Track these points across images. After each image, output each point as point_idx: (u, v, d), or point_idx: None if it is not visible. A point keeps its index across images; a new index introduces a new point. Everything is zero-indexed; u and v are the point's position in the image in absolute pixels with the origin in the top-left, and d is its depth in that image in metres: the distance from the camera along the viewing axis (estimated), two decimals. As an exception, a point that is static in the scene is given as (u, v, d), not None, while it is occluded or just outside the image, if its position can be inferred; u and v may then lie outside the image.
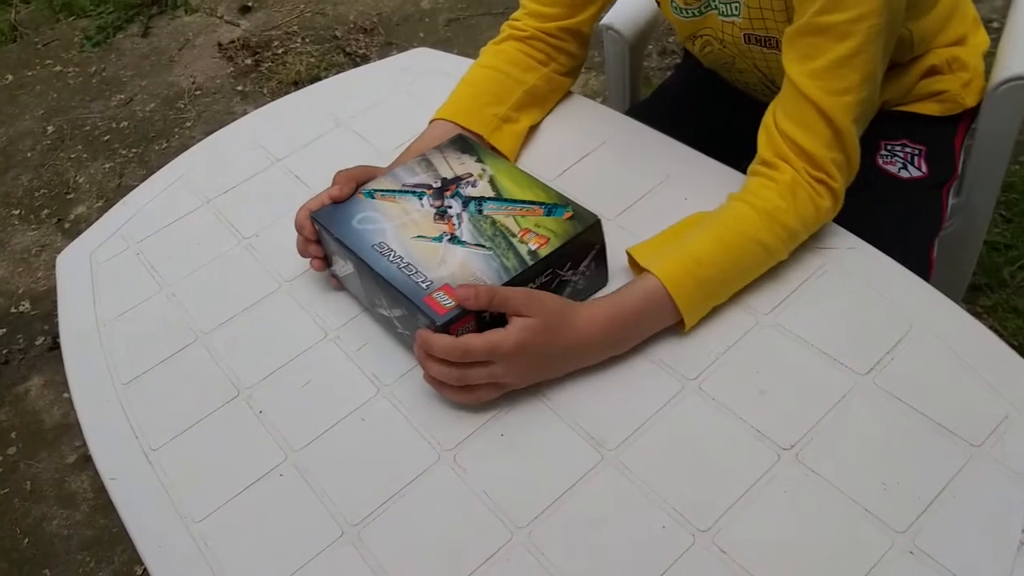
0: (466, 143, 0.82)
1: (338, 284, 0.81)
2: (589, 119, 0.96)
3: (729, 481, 0.62)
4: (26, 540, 1.48)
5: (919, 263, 0.84)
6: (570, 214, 0.72)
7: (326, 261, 0.79)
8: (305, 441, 0.70)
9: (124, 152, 2.27)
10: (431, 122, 0.91)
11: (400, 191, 0.77)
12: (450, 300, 0.65)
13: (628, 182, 0.87)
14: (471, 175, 0.78)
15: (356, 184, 0.79)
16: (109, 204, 2.12)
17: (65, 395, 1.69)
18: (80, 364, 0.81)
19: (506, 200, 0.74)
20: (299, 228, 0.79)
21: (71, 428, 1.64)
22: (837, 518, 0.59)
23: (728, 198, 0.76)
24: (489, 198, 0.75)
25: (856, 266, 0.75)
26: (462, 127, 0.88)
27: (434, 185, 0.77)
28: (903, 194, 0.90)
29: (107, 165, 2.24)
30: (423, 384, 0.71)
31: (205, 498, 0.67)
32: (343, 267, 0.75)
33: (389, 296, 0.69)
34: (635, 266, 0.75)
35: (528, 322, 0.65)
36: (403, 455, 0.67)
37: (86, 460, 1.57)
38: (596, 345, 0.69)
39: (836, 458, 0.62)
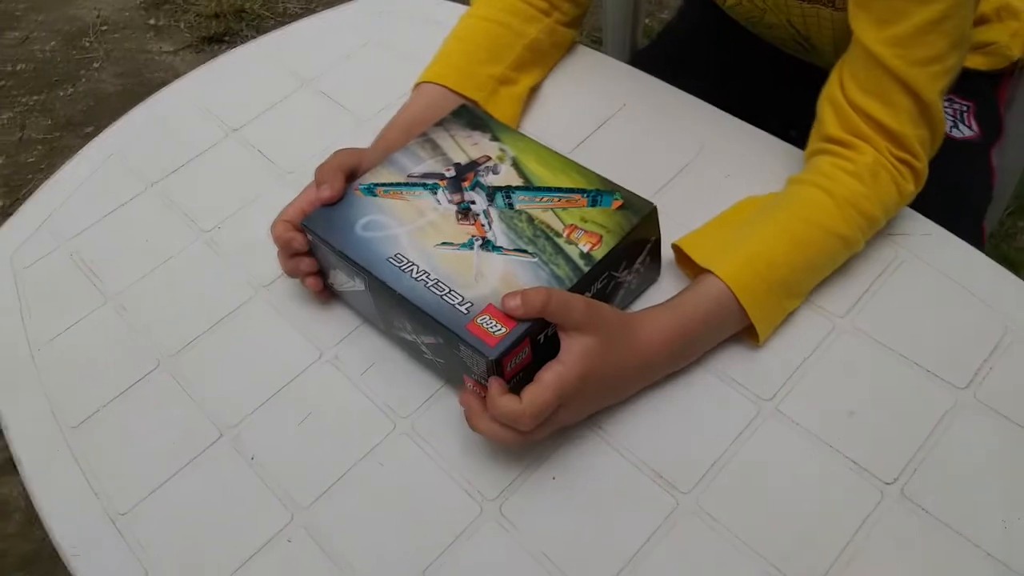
0: (474, 116, 0.69)
1: (329, 296, 0.67)
2: (601, 78, 0.84)
3: (831, 526, 0.53)
4: (-48, 557, 1.32)
5: (973, 239, 0.76)
6: (619, 202, 0.60)
7: (320, 275, 0.65)
8: (314, 495, 0.58)
9: (24, 100, 2.01)
10: (415, 87, 0.76)
11: (407, 184, 0.63)
12: (500, 326, 0.53)
13: (657, 156, 0.75)
14: (489, 158, 0.64)
15: (344, 176, 0.64)
16: (11, 161, 1.88)
17: (-19, 385, 1.50)
18: (17, 405, 0.66)
19: (539, 189, 0.62)
20: (283, 244, 0.63)
21: (-8, 423, 1.45)
22: (957, 566, 0.51)
23: (792, 181, 0.66)
24: (518, 187, 0.62)
25: (934, 256, 0.66)
26: (452, 91, 0.74)
27: (447, 174, 0.63)
28: (956, 157, 0.81)
29: (6, 115, 1.98)
30: (447, 415, 0.60)
31: (196, 576, 0.55)
32: (347, 283, 0.62)
33: (417, 322, 0.56)
34: (683, 261, 0.64)
35: (587, 345, 0.54)
36: (438, 509, 0.56)
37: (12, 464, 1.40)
38: (660, 362, 0.58)
39: (947, 492, 0.54)
